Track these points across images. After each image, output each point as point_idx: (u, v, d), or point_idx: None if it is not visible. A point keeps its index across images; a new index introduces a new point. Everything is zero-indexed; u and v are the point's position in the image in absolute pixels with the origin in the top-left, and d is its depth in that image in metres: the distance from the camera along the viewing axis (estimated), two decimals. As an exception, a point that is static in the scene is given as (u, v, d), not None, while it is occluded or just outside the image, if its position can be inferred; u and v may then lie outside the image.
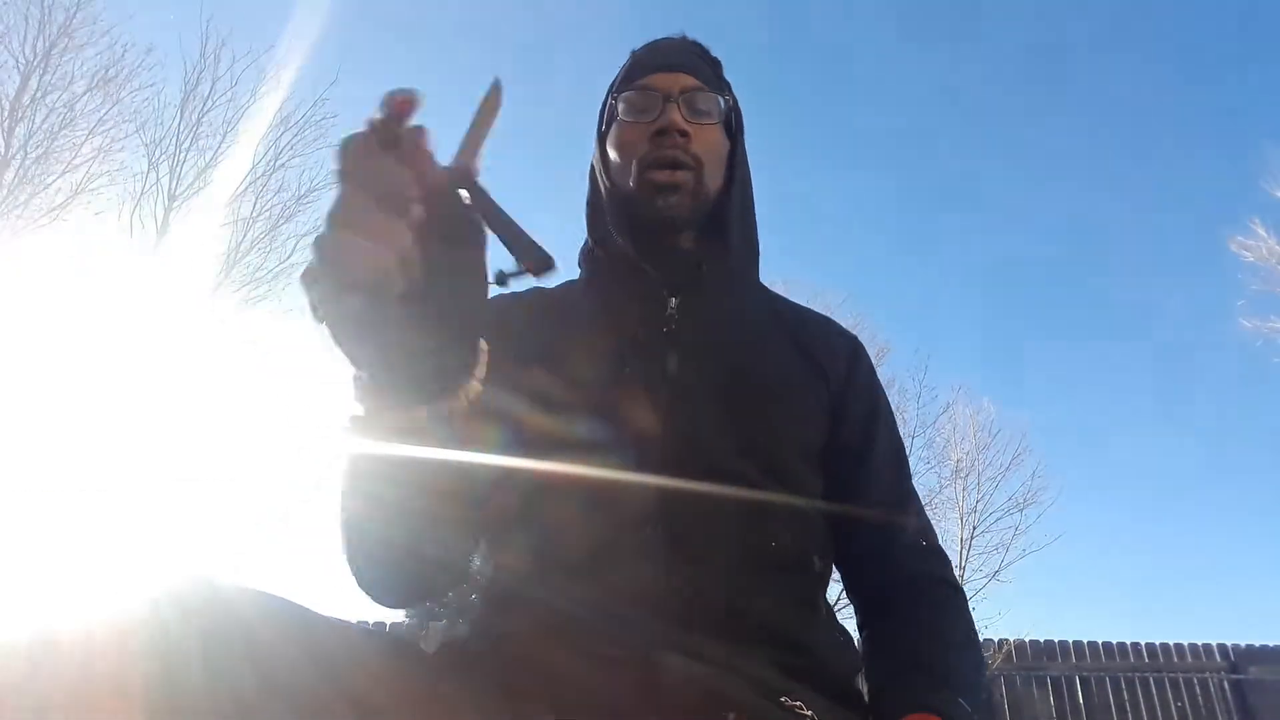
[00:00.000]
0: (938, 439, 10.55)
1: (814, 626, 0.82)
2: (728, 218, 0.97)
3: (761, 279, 1.05)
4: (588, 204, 1.02)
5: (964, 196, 17.22)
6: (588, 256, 1.02)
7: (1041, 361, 16.99)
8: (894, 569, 0.91)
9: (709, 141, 0.95)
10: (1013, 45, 17.15)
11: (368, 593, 0.77)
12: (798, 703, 0.73)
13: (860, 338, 1.05)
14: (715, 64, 1.03)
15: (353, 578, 0.76)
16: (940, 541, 0.97)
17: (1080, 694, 6.58)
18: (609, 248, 0.97)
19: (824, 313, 1.06)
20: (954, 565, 1.01)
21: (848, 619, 0.93)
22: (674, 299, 0.92)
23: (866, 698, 0.82)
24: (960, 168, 17.12)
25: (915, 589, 0.89)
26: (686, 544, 0.78)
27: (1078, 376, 16.79)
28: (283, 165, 8.69)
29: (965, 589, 0.95)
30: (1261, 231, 10.08)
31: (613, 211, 0.97)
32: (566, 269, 1.04)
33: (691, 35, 1.05)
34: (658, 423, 0.83)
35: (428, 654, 0.74)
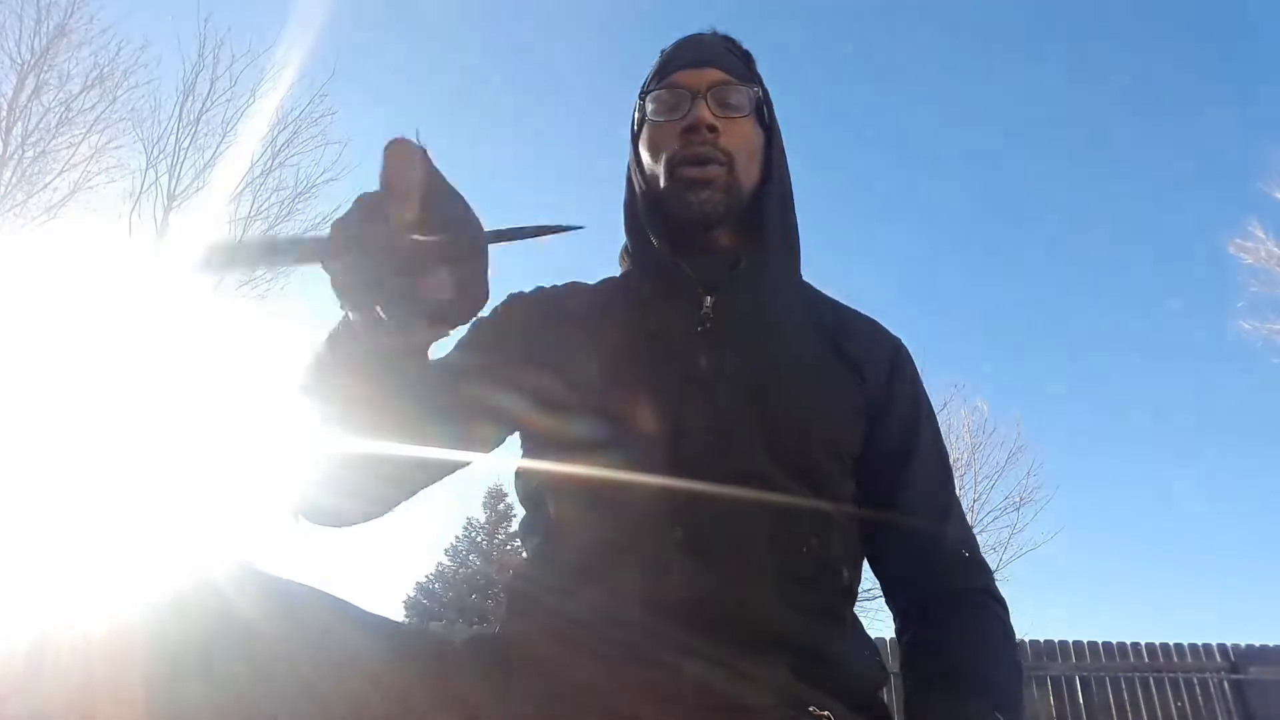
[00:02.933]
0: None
1: (838, 639, 0.80)
2: (765, 213, 0.95)
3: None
4: (624, 206, 1.01)
5: (962, 194, 17.23)
6: (624, 257, 1.01)
7: (1039, 361, 17.00)
8: (934, 579, 0.89)
9: (740, 135, 0.94)
10: (1011, 44, 17.15)
11: (305, 512, 0.81)
12: (826, 713, 0.72)
13: None
14: (746, 57, 1.01)
15: (296, 495, 0.80)
16: (981, 551, 0.95)
17: (1080, 694, 6.57)
18: (645, 248, 0.96)
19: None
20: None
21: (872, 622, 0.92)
22: (709, 297, 0.90)
23: (901, 709, 0.81)
24: (959, 167, 17.14)
25: (955, 600, 0.88)
26: (708, 548, 0.77)
27: (1076, 376, 16.80)
28: (281, 164, 8.70)
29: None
30: (1260, 234, 10.10)
31: (647, 211, 0.96)
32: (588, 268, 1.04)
33: (722, 30, 1.03)
34: (685, 423, 0.82)
35: (437, 651, 0.73)
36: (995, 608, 0.89)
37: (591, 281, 1.02)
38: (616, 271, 1.04)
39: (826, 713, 0.72)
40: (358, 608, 0.67)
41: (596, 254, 1.07)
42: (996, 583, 0.92)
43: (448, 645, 0.75)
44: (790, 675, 0.74)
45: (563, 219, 0.60)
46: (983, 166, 17.91)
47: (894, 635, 0.92)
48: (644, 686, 0.71)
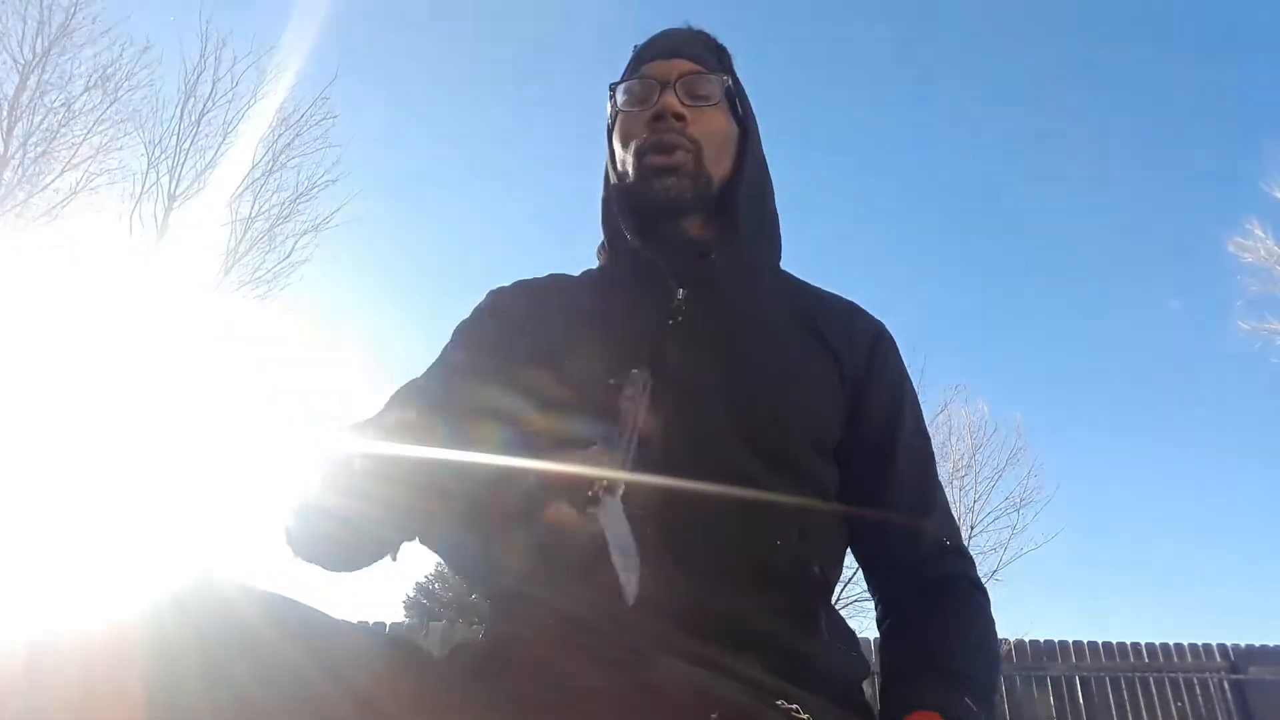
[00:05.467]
0: (935, 439, 10.54)
1: (812, 635, 0.80)
2: (738, 203, 0.94)
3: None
4: (602, 201, 1.01)
5: (962, 195, 17.23)
6: (600, 252, 1.01)
7: (1039, 362, 16.99)
8: (917, 569, 0.89)
9: (709, 124, 0.94)
10: (1010, 45, 17.15)
11: (301, 556, 0.78)
12: (794, 705, 0.72)
13: None
14: (720, 50, 1.02)
15: (288, 543, 0.77)
16: (964, 540, 0.95)
17: (1080, 694, 6.57)
18: (617, 240, 0.96)
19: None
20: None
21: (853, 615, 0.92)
22: (682, 289, 0.90)
23: (877, 699, 0.81)
24: (959, 167, 17.13)
25: (938, 589, 0.88)
26: (680, 545, 0.76)
27: (1075, 377, 16.80)
28: (282, 165, 8.70)
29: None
30: (1260, 232, 10.09)
31: (619, 201, 0.96)
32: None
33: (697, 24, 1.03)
34: (658, 419, 0.80)
35: (430, 654, 0.73)
36: (976, 596, 0.89)
37: (574, 273, 1.01)
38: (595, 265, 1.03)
39: (795, 705, 0.72)
40: (345, 619, 0.67)
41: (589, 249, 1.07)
42: (977, 571, 0.93)
43: (430, 653, 0.75)
44: (766, 671, 0.74)
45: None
46: (982, 165, 17.91)
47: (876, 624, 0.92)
48: (637, 685, 0.71)
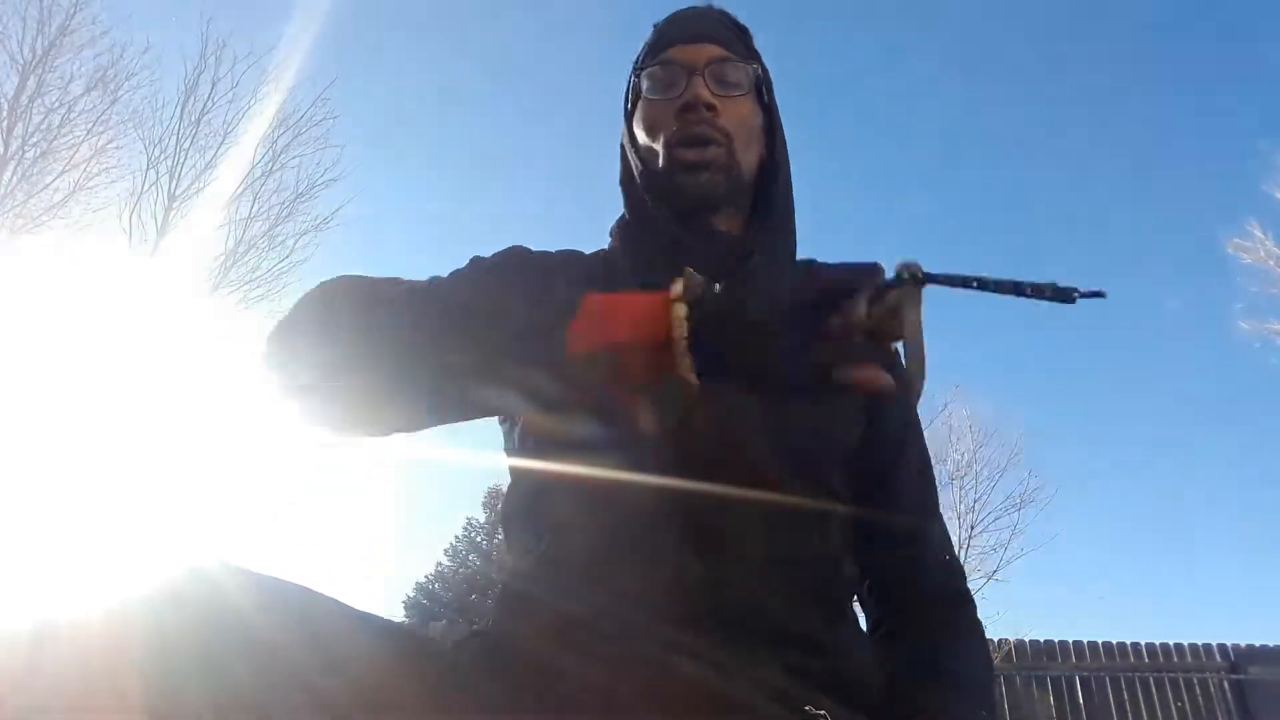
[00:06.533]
0: (935, 439, 10.56)
1: (840, 637, 0.80)
2: (772, 196, 0.92)
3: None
4: (621, 182, 0.97)
5: (962, 195, 17.23)
6: (623, 231, 0.96)
7: (1040, 362, 17.00)
8: (918, 583, 0.89)
9: (739, 114, 0.90)
10: (1009, 45, 17.15)
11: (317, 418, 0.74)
12: (822, 712, 0.71)
13: None
14: (743, 32, 0.97)
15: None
16: (962, 541, 0.98)
17: (1080, 694, 6.57)
18: (648, 228, 0.92)
19: None
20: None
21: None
22: (717, 286, 0.89)
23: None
24: (959, 166, 17.14)
25: (938, 604, 0.88)
26: (708, 545, 0.76)
27: (1075, 377, 16.80)
28: (282, 165, 8.70)
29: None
30: (1259, 234, 10.08)
31: (648, 192, 0.92)
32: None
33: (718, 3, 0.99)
34: (688, 419, 0.79)
35: (433, 649, 0.73)
36: (972, 610, 0.90)
37: (586, 251, 0.97)
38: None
39: (823, 712, 0.72)
40: (350, 606, 0.67)
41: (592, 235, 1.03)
42: (967, 581, 0.95)
43: (440, 645, 0.75)
44: (790, 673, 0.73)
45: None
46: (983, 166, 17.91)
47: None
48: (643, 685, 0.70)
